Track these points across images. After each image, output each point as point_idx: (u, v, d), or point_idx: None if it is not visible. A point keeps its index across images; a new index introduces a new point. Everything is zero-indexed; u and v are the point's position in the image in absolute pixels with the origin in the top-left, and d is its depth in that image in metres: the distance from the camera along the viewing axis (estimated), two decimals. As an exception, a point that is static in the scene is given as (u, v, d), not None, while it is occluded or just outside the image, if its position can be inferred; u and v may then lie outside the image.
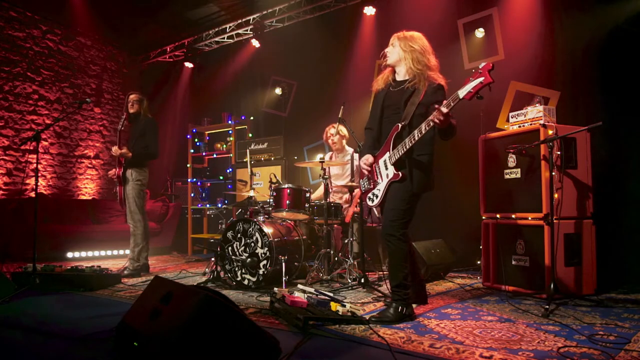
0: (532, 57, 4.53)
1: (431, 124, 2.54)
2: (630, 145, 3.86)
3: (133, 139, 4.68)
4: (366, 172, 2.94)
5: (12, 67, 6.61)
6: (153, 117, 4.84)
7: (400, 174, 2.73)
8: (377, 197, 2.86)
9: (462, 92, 2.42)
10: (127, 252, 4.60)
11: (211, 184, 7.56)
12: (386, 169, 2.82)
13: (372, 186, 2.92)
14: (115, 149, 4.56)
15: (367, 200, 2.95)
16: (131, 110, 4.74)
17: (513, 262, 3.53)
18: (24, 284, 3.59)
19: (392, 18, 5.56)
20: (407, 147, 2.69)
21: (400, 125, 2.77)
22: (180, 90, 7.98)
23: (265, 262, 3.73)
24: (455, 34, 5.11)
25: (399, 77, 2.93)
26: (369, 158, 2.94)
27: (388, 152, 2.81)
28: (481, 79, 2.35)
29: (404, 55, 2.84)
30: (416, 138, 2.64)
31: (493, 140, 3.78)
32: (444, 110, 2.45)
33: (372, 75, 5.63)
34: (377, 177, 2.89)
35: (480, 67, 2.38)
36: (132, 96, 4.78)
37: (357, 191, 4.27)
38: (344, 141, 4.83)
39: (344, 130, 4.66)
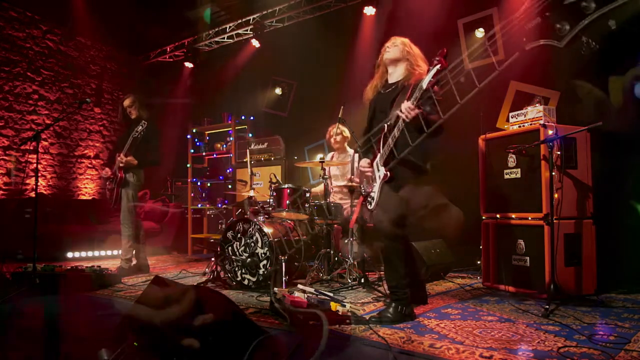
0: (532, 57, 4.53)
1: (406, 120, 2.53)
2: (630, 145, 3.85)
3: (134, 144, 4.61)
4: (369, 173, 2.93)
5: (12, 67, 6.60)
6: (150, 117, 4.79)
7: (389, 174, 2.74)
8: (373, 199, 2.86)
9: (424, 83, 2.44)
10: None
11: (211, 184, 7.55)
12: (378, 170, 2.83)
13: (369, 189, 2.92)
14: (121, 157, 4.52)
15: (367, 204, 2.94)
16: (132, 117, 4.74)
17: (513, 262, 3.52)
18: (24, 284, 3.59)
19: (392, 18, 5.56)
20: (391, 146, 2.70)
21: (386, 126, 2.78)
22: (180, 90, 7.98)
23: (265, 262, 3.73)
24: (455, 34, 5.11)
25: (391, 79, 2.94)
26: (367, 161, 2.95)
27: (379, 154, 2.83)
28: (438, 65, 2.40)
29: (407, 55, 2.86)
30: (396, 136, 2.65)
31: (493, 140, 3.78)
32: (409, 104, 2.46)
33: (372, 75, 5.62)
34: (373, 180, 2.89)
35: (437, 53, 2.42)
36: (125, 102, 4.76)
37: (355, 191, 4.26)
38: (346, 142, 4.83)
39: (347, 132, 4.67)
